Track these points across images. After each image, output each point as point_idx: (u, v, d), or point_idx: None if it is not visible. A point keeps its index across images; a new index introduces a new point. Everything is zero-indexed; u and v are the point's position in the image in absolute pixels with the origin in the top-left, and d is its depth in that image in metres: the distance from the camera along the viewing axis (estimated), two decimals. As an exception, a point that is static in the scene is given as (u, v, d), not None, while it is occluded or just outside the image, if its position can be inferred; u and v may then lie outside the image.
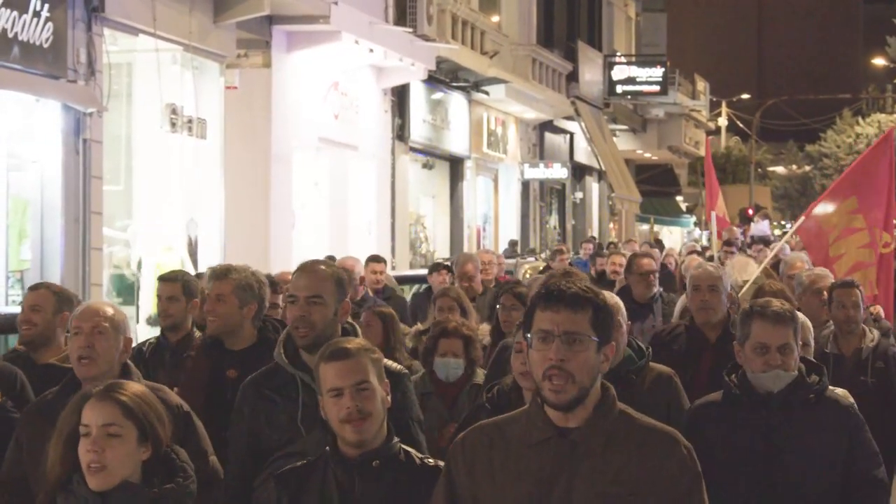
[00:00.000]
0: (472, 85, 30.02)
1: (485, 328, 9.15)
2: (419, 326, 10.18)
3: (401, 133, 26.22)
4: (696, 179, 55.30)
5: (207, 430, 5.67)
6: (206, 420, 5.76)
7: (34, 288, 7.43)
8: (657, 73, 42.92)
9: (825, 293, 8.49)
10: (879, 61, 70.29)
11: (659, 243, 32.66)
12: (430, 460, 4.64)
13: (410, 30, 23.84)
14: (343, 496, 4.50)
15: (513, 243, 30.91)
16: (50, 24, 14.43)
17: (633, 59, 45.85)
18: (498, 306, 8.89)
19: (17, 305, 10.25)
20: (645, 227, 49.51)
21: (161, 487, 4.48)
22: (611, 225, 46.18)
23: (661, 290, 10.96)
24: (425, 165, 29.88)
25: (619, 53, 45.16)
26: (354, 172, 23.97)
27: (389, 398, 4.64)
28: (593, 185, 44.24)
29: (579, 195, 42.30)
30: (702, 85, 55.00)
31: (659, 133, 49.39)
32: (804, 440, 5.40)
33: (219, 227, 18.41)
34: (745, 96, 71.12)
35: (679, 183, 55.15)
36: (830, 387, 5.65)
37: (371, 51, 21.89)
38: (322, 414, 4.61)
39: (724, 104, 67.76)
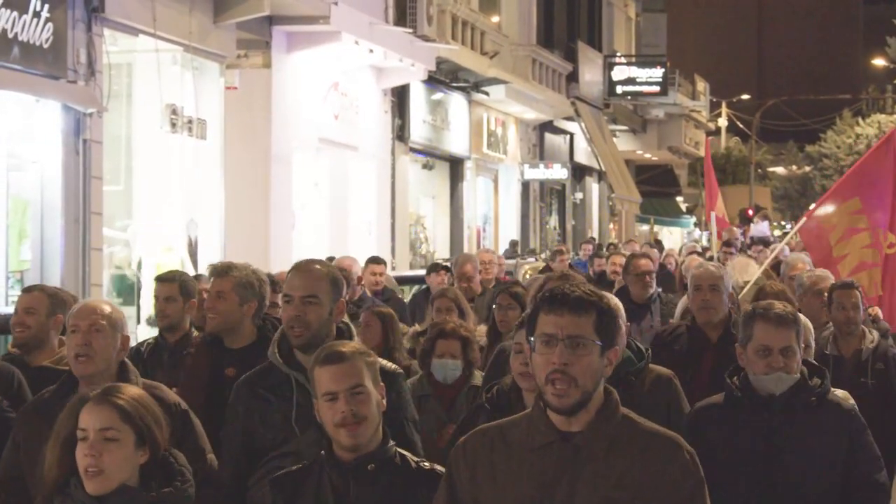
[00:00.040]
0: (472, 85, 30.02)
1: (482, 329, 9.13)
2: (416, 328, 10.16)
3: (401, 133, 26.23)
4: (696, 180, 55.29)
5: (206, 429, 5.65)
6: (205, 418, 5.75)
7: (28, 290, 7.39)
8: (657, 73, 42.92)
9: (826, 294, 8.47)
10: (879, 62, 70.28)
11: (658, 244, 32.66)
12: (426, 464, 4.62)
13: (410, 30, 23.84)
14: (338, 500, 4.48)
15: (513, 244, 30.92)
16: (50, 24, 14.42)
17: (633, 59, 45.85)
18: (494, 306, 8.87)
19: (16, 306, 10.24)
20: (645, 227, 49.51)
21: (159, 491, 4.47)
22: (611, 225, 46.19)
23: (660, 290, 10.96)
24: (425, 166, 29.88)
25: (619, 54, 45.16)
26: (354, 173, 23.97)
27: (385, 401, 4.63)
28: (593, 186, 44.24)
29: (579, 196, 42.31)
30: (702, 85, 55.01)
31: (659, 133, 49.39)
32: (805, 442, 5.39)
33: (219, 227, 18.42)
34: (745, 97, 71.13)
35: (679, 183, 55.16)
36: (832, 389, 5.63)
37: (371, 51, 21.89)
38: (317, 417, 4.59)
39: (724, 105, 67.77)
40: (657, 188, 51.56)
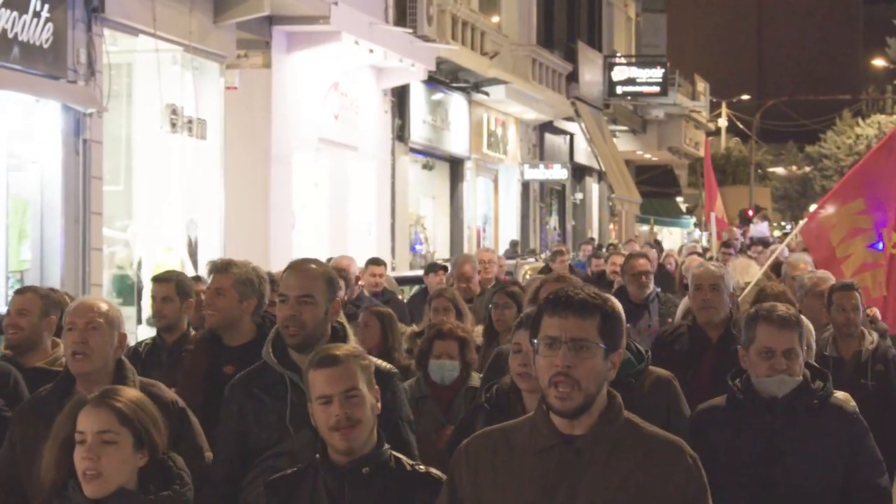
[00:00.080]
0: (472, 85, 30.03)
1: (478, 329, 9.11)
2: (414, 328, 10.14)
3: (401, 134, 26.23)
4: (696, 180, 55.29)
5: (204, 427, 5.63)
6: (203, 417, 5.72)
7: (20, 292, 7.36)
8: (657, 73, 42.93)
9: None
10: (879, 62, 70.32)
11: (657, 244, 32.66)
12: (421, 467, 4.59)
13: (410, 30, 23.84)
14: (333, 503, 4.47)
15: (513, 244, 30.91)
16: (50, 24, 14.42)
17: (633, 59, 45.85)
18: (491, 305, 8.84)
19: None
20: (645, 227, 49.51)
21: (158, 495, 4.46)
22: (611, 226, 46.19)
23: (659, 290, 10.95)
24: (425, 166, 29.88)
25: (619, 54, 45.16)
26: (354, 173, 23.97)
27: (379, 404, 4.61)
28: (593, 186, 44.24)
29: (579, 196, 42.31)
30: (702, 86, 55.01)
31: (659, 134, 49.40)
32: (806, 445, 5.37)
33: (219, 227, 18.41)
34: (745, 97, 71.12)
35: (679, 184, 55.16)
36: (834, 392, 5.61)
37: (371, 51, 21.89)
38: (311, 421, 4.58)
39: (724, 105, 67.76)
40: (657, 188, 51.56)
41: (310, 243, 20.93)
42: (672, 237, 52.94)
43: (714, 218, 21.96)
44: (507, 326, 8.29)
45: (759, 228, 40.01)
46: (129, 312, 16.30)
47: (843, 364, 7.99)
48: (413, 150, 27.58)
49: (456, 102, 29.75)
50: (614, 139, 45.04)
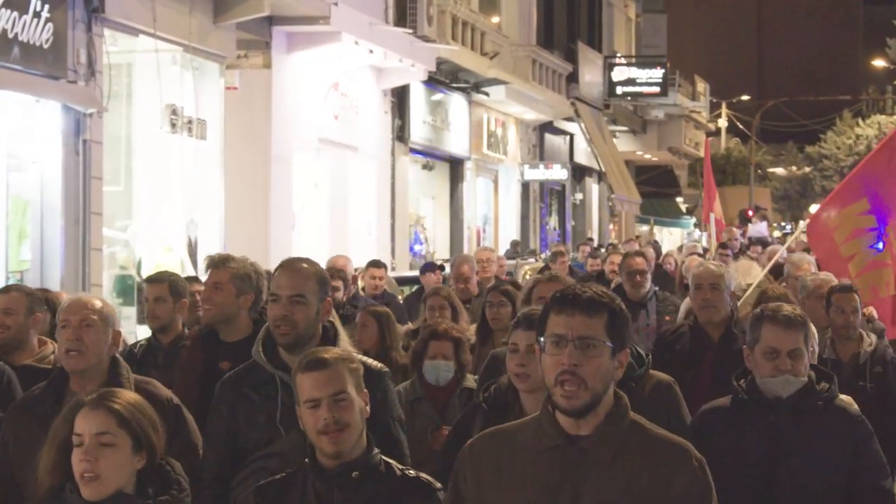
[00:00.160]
0: (472, 86, 30.03)
1: (472, 328, 9.07)
2: (410, 326, 10.13)
3: (401, 134, 26.23)
4: (696, 181, 55.29)
5: (200, 423, 5.60)
6: (199, 413, 5.68)
7: (5, 291, 7.31)
8: (657, 74, 42.95)
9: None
10: (879, 63, 70.30)
11: (656, 245, 32.64)
12: (411, 471, 4.56)
13: (410, 31, 23.85)
14: None
15: (514, 244, 30.91)
16: (50, 24, 14.43)
17: (633, 60, 45.87)
18: (486, 303, 8.83)
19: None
20: (645, 228, 49.51)
21: (156, 499, 4.42)
22: (611, 226, 46.20)
23: (657, 288, 10.95)
24: (425, 166, 29.89)
25: (619, 54, 45.18)
26: (354, 173, 23.97)
27: (368, 408, 4.58)
28: (593, 187, 44.25)
29: (579, 196, 42.32)
30: (702, 86, 55.03)
31: (659, 134, 49.41)
32: (810, 446, 5.35)
33: (219, 227, 18.41)
34: (745, 97, 71.12)
35: (679, 184, 55.16)
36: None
37: (371, 52, 21.90)
38: (300, 424, 4.55)
39: (723, 105, 67.76)
40: (657, 189, 51.57)
41: (310, 244, 20.92)
42: (672, 237, 52.93)
43: (713, 219, 21.99)
44: (502, 325, 8.28)
45: (758, 228, 40.05)
46: (129, 312, 16.30)
47: (841, 366, 7.96)
48: (413, 151, 27.58)
49: (456, 103, 29.76)
50: (614, 139, 45.05)
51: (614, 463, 3.80)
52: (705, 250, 22.70)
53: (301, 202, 21.83)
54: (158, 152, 17.54)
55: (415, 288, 15.06)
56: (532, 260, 23.34)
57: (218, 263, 6.62)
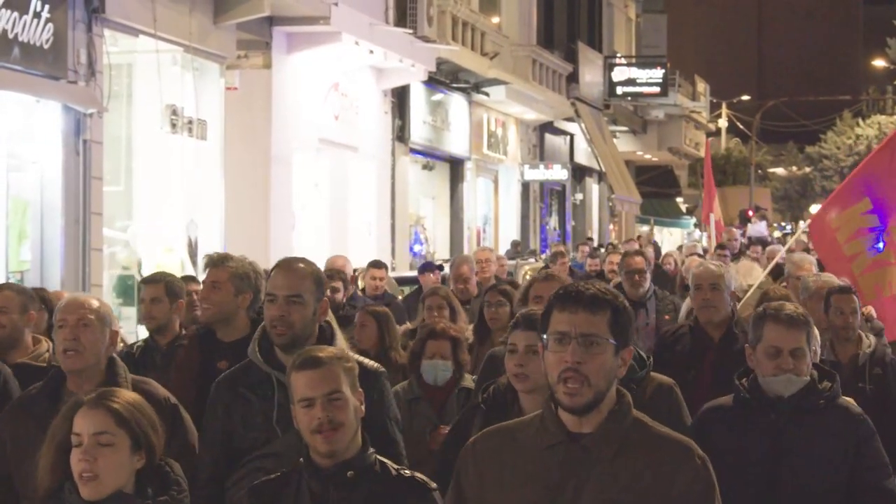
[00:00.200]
0: (472, 86, 30.04)
1: (470, 328, 9.07)
2: (408, 325, 10.13)
3: (401, 134, 26.24)
4: (696, 181, 55.30)
5: (197, 423, 5.58)
6: (196, 412, 5.66)
7: None
8: (657, 74, 42.95)
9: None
10: (880, 63, 70.32)
11: (655, 246, 32.64)
12: (407, 471, 4.55)
13: (410, 31, 23.85)
14: None
15: (515, 244, 30.91)
16: (50, 24, 14.43)
17: (634, 60, 45.87)
18: (484, 303, 8.83)
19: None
20: (645, 228, 49.52)
21: (155, 499, 4.41)
22: (611, 226, 46.20)
23: (656, 288, 10.95)
24: (425, 167, 29.89)
25: (619, 55, 45.18)
26: (354, 173, 23.98)
27: (363, 407, 4.56)
28: (593, 187, 44.25)
29: (579, 196, 42.32)
30: (702, 86, 55.03)
31: (659, 134, 49.41)
32: (811, 445, 5.34)
33: (219, 228, 18.42)
34: (745, 98, 71.13)
35: (679, 184, 55.18)
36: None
37: (371, 52, 21.90)
38: (294, 423, 4.54)
39: (724, 106, 67.77)
40: (657, 189, 51.58)
41: (310, 244, 20.93)
42: (672, 238, 52.94)
43: (713, 220, 22.01)
44: (500, 325, 8.28)
45: (758, 228, 40.07)
46: (129, 313, 16.30)
47: (840, 368, 7.90)
48: (413, 151, 27.59)
49: (456, 103, 29.76)
50: (614, 140, 45.05)
51: (616, 460, 3.78)
52: (705, 251, 22.70)
53: (301, 202, 21.84)
54: (159, 152, 17.55)
55: (414, 288, 15.06)
56: (532, 260, 23.33)
57: (216, 262, 6.62)
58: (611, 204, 44.94)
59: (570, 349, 3.75)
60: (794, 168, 75.40)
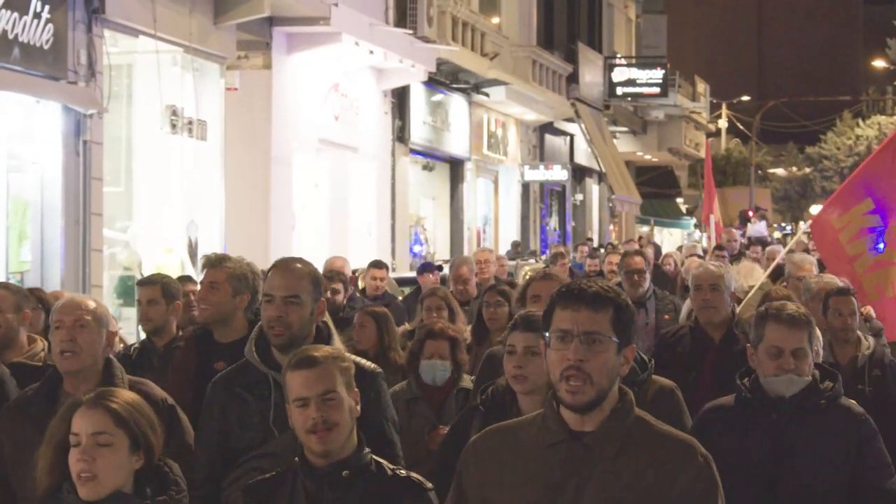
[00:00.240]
0: (472, 87, 30.03)
1: (468, 329, 9.07)
2: (406, 326, 10.13)
3: (401, 135, 26.23)
4: (696, 181, 55.32)
5: (194, 424, 5.58)
6: (193, 413, 5.66)
7: None
8: (657, 74, 42.95)
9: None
10: (880, 63, 70.31)
11: (655, 246, 32.64)
12: (402, 471, 4.53)
13: (411, 31, 23.85)
14: None
15: (515, 245, 30.90)
16: (50, 25, 14.43)
17: (634, 60, 45.88)
18: (482, 303, 8.82)
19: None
20: (645, 228, 49.53)
21: (154, 499, 4.40)
22: (611, 226, 46.20)
23: (655, 288, 10.96)
24: (425, 167, 29.89)
25: (619, 55, 45.18)
26: (354, 174, 23.97)
27: (359, 407, 4.55)
28: (593, 187, 44.25)
29: (579, 197, 42.32)
30: (702, 87, 55.02)
31: (659, 135, 49.41)
32: (813, 445, 5.33)
33: (219, 228, 18.42)
34: (745, 98, 71.14)
35: (679, 185, 55.18)
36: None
37: (371, 52, 21.90)
38: (289, 423, 4.53)
39: (724, 106, 67.78)
40: (657, 189, 51.58)
41: (310, 244, 20.93)
42: (672, 238, 52.94)
43: (713, 221, 22.00)
44: (499, 325, 8.28)
45: (757, 228, 40.07)
46: (130, 313, 16.28)
47: (839, 370, 7.91)
48: (413, 151, 27.59)
49: (456, 103, 29.76)
50: (614, 140, 45.05)
51: (618, 459, 3.76)
52: (705, 251, 22.71)
53: (301, 203, 21.83)
54: (159, 153, 17.54)
55: (413, 288, 15.07)
56: (532, 261, 23.33)
57: (214, 263, 6.62)
58: (611, 204, 44.94)
59: (573, 347, 3.73)
60: (794, 168, 75.41)
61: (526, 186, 36.15)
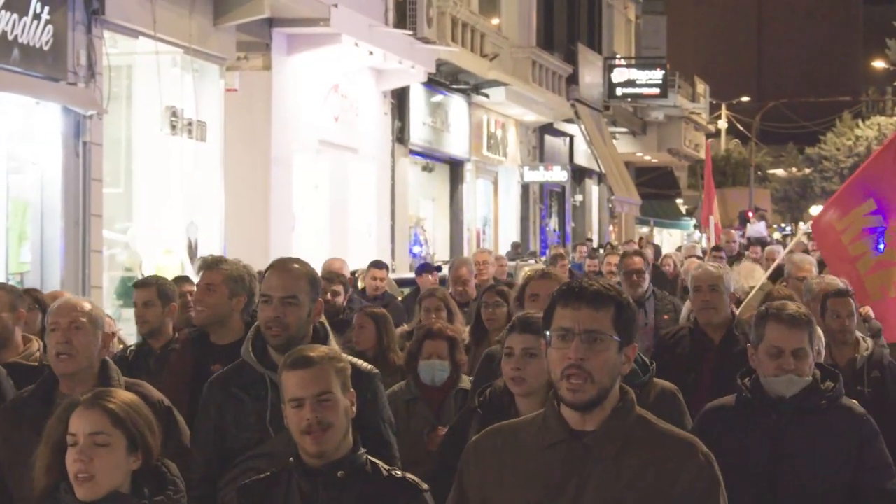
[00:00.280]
0: (471, 87, 30.03)
1: (467, 329, 9.07)
2: (405, 328, 10.13)
3: (401, 136, 26.23)
4: (696, 182, 55.32)
5: (191, 426, 5.57)
6: (190, 416, 5.65)
7: None
8: (657, 75, 42.93)
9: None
10: (879, 64, 70.29)
11: (655, 247, 32.62)
12: (398, 472, 4.53)
13: (410, 32, 23.85)
14: None
15: (515, 245, 30.90)
16: (50, 26, 14.43)
17: (633, 61, 45.87)
18: (481, 304, 8.82)
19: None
20: (645, 229, 49.52)
21: (151, 499, 4.39)
22: (610, 227, 46.19)
23: (655, 288, 10.96)
24: (425, 168, 29.89)
25: (618, 56, 45.17)
26: (354, 175, 23.97)
27: (354, 408, 4.54)
28: (593, 188, 44.24)
29: (579, 198, 42.31)
30: (702, 87, 55.01)
31: (659, 136, 49.39)
32: (812, 445, 5.33)
33: (219, 229, 18.42)
34: (745, 99, 71.13)
35: (679, 185, 55.17)
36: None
37: (371, 53, 21.89)
38: (285, 423, 4.53)
39: (723, 107, 67.77)
40: (657, 190, 51.57)
41: (310, 245, 20.92)
42: (672, 239, 52.94)
43: (712, 222, 22.01)
44: (497, 326, 8.28)
45: (757, 228, 40.07)
46: (130, 314, 16.23)
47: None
48: (413, 152, 27.58)
49: (456, 104, 29.76)
50: (614, 141, 45.04)
51: (619, 458, 3.75)
52: (704, 252, 22.72)
53: (301, 204, 21.83)
54: (158, 154, 17.55)
55: (412, 289, 15.08)
56: (532, 262, 23.32)
57: (211, 265, 6.62)
58: (610, 205, 44.92)
59: (574, 346, 3.72)
60: (794, 169, 75.39)
61: (525, 187, 36.14)
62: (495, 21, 32.52)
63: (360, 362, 5.37)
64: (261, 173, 19.86)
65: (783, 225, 63.44)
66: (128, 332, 13.88)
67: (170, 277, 9.49)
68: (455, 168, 30.88)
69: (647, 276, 10.72)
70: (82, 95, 15.07)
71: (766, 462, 5.36)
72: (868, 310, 9.59)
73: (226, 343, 6.36)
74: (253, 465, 5.13)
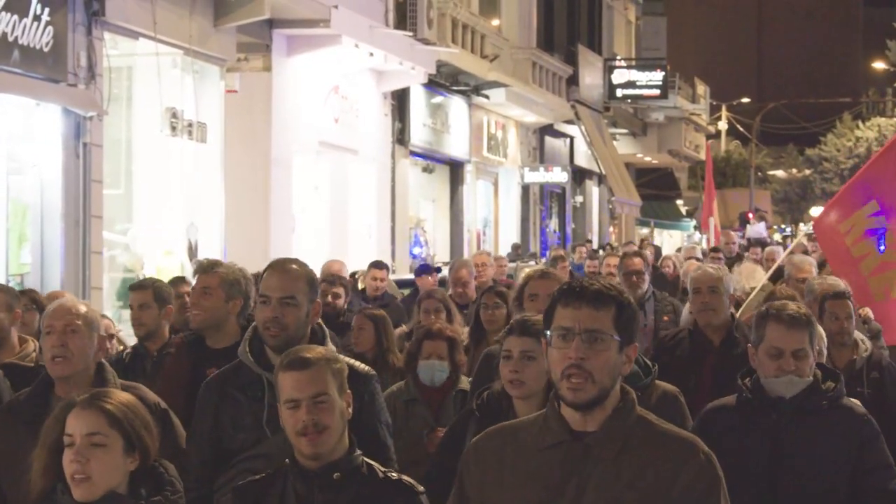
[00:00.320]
0: (472, 89, 30.02)
1: (465, 331, 9.07)
2: (404, 328, 10.13)
3: (401, 137, 26.23)
4: (696, 183, 55.31)
5: (187, 429, 5.56)
6: (185, 419, 5.64)
7: None
8: (657, 76, 42.92)
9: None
10: (880, 65, 70.28)
11: (655, 248, 32.62)
12: (394, 474, 4.51)
13: (410, 33, 23.85)
14: None
15: (515, 247, 30.89)
16: (50, 27, 14.44)
17: (634, 62, 45.88)
18: (480, 305, 8.82)
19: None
20: (645, 230, 49.51)
21: (148, 500, 4.38)
22: (611, 229, 46.19)
23: (654, 289, 10.96)
24: (425, 169, 29.88)
25: (619, 57, 45.17)
26: (354, 176, 23.97)
27: (350, 409, 4.53)
28: (593, 189, 44.24)
29: (579, 199, 42.31)
30: (702, 88, 55.01)
31: (659, 137, 49.39)
32: (813, 446, 5.32)
33: (219, 231, 18.42)
34: (745, 100, 71.12)
35: (679, 186, 55.15)
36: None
37: (371, 54, 21.89)
38: (281, 423, 4.51)
39: (724, 108, 67.76)
40: (657, 191, 51.56)
41: (310, 247, 20.92)
42: (672, 240, 52.94)
43: (712, 223, 22.04)
44: (496, 327, 8.28)
45: (757, 229, 40.07)
46: (128, 316, 16.28)
47: (837, 373, 7.92)
48: (413, 154, 27.58)
49: (456, 105, 29.76)
50: (614, 142, 45.04)
51: (619, 458, 3.74)
52: (704, 254, 22.73)
53: (301, 205, 21.83)
54: (158, 155, 17.55)
55: (412, 290, 15.09)
56: (532, 263, 23.32)
57: (207, 268, 6.63)
58: (611, 206, 44.92)
59: (574, 345, 3.70)
60: (794, 170, 75.39)
61: (526, 188, 36.14)
62: (495, 22, 32.52)
63: (357, 364, 5.37)
64: (261, 174, 19.86)
65: (783, 226, 63.43)
66: (128, 333, 13.89)
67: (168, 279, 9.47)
68: (455, 169, 30.87)
69: (647, 278, 10.71)
70: (82, 97, 15.07)
71: (766, 462, 5.35)
72: (867, 311, 9.59)
73: (222, 347, 6.35)
74: (249, 466, 5.12)
